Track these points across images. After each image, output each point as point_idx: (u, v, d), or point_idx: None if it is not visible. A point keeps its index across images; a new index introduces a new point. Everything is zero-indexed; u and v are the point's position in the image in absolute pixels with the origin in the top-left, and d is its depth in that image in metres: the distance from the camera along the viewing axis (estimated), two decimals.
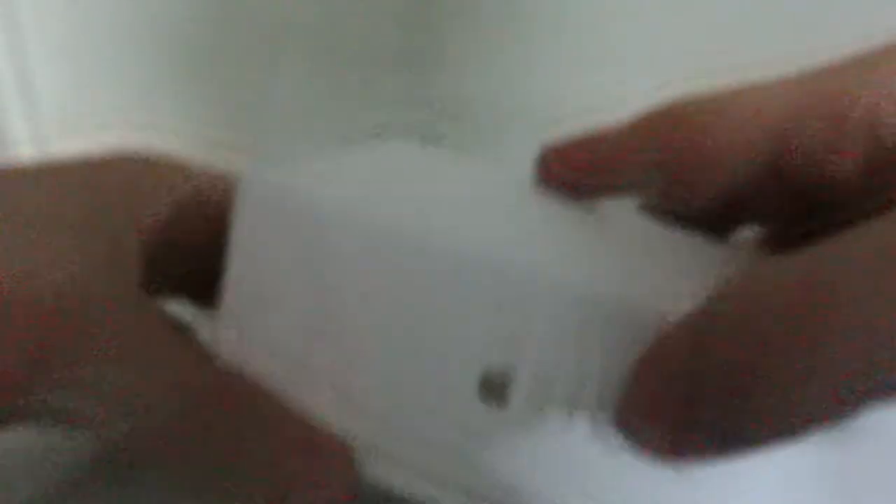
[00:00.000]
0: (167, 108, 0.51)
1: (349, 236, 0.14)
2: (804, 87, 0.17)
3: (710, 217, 0.21)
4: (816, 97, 0.17)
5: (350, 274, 0.14)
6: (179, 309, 0.22)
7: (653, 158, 0.19)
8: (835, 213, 0.18)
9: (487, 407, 0.14)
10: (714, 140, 0.17)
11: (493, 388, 0.14)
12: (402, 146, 0.21)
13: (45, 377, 0.15)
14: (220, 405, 0.16)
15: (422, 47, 0.43)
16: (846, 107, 0.16)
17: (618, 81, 0.39)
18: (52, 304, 0.15)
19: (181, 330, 0.19)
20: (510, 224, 0.16)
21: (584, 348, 0.13)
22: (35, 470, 0.19)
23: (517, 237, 0.15)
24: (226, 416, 0.16)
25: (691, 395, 0.11)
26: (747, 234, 0.21)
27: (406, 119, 0.44)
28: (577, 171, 0.20)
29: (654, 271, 0.16)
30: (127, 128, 0.54)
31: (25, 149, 0.58)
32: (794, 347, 0.10)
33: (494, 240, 0.15)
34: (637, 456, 0.12)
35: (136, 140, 0.54)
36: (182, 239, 0.21)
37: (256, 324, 0.16)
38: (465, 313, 0.14)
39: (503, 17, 0.40)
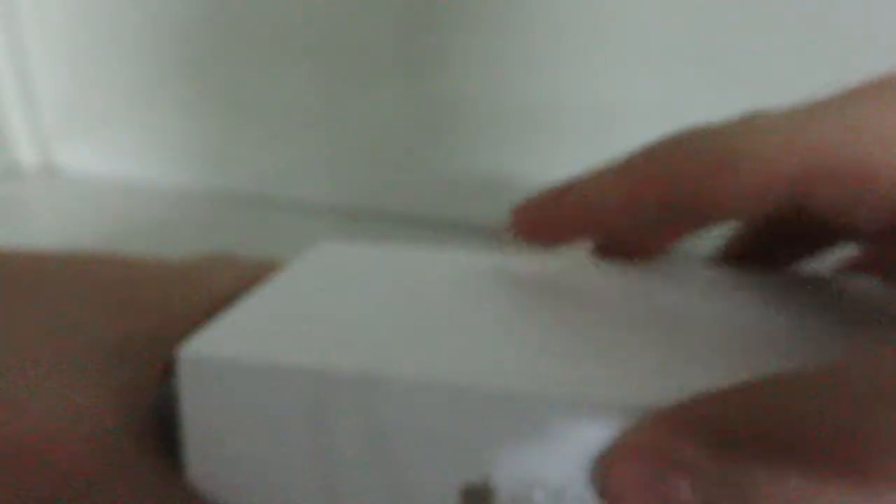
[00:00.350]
0: (167, 108, 0.51)
1: (293, 391, 0.15)
2: (830, 125, 0.16)
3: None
4: (843, 143, 0.16)
5: (302, 426, 0.15)
6: None
7: (664, 195, 0.18)
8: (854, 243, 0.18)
9: None
10: (735, 176, 0.16)
11: (476, 500, 0.14)
12: (334, 263, 0.21)
13: None
14: None
15: (422, 47, 0.43)
16: (878, 160, 0.15)
17: (618, 81, 0.39)
18: (65, 460, 0.16)
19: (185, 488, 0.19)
20: (459, 336, 0.16)
21: (555, 451, 0.13)
22: None
23: (471, 349, 0.15)
24: None
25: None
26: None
27: (405, 119, 0.44)
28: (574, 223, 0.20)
29: (617, 364, 0.15)
30: (127, 128, 0.55)
31: (25, 149, 0.58)
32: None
33: (444, 360, 0.15)
34: None
35: (136, 140, 0.54)
36: None
37: (225, 492, 0.16)
38: (433, 438, 0.14)
39: (503, 18, 0.40)
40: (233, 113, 0.49)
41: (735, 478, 0.12)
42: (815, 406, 0.12)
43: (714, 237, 0.21)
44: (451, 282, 0.19)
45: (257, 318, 0.17)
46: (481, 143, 0.43)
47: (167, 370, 0.18)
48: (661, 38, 0.37)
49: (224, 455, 0.16)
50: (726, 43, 0.36)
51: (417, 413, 0.14)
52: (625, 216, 0.18)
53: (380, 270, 0.20)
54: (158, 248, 0.43)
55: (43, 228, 0.46)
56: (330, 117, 0.46)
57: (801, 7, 0.34)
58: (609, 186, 0.18)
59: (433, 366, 0.14)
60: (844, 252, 0.20)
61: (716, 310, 0.17)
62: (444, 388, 0.14)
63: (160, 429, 0.19)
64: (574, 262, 0.21)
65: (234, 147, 0.50)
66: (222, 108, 0.49)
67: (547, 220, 0.19)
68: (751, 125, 0.17)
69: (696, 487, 0.13)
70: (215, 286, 0.21)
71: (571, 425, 0.13)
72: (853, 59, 0.33)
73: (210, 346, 0.16)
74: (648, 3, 0.37)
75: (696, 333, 0.16)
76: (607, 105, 0.39)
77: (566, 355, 0.15)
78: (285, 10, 0.45)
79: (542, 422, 0.13)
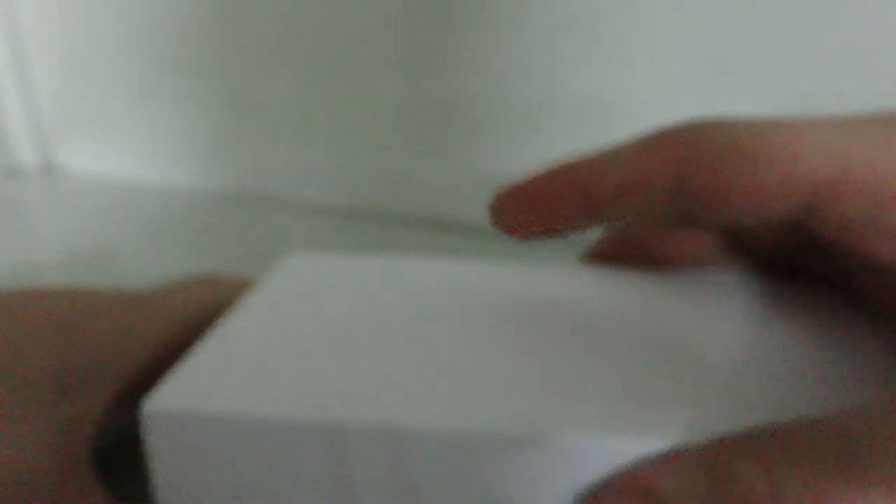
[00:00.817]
0: (167, 107, 0.51)
1: (259, 443, 0.14)
2: (866, 139, 0.15)
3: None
4: (875, 158, 0.15)
5: (272, 477, 0.14)
6: None
7: (671, 180, 0.16)
8: (856, 274, 0.17)
9: None
10: (755, 169, 0.15)
11: None
12: (307, 284, 0.19)
13: None
14: None
15: (422, 47, 0.43)
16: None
17: (618, 82, 0.39)
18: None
19: None
20: (445, 374, 0.15)
21: (567, 488, 0.13)
22: None
23: (464, 390, 0.14)
24: None
25: None
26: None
27: (406, 119, 0.44)
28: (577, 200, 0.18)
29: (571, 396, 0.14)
30: (127, 127, 0.55)
31: (25, 149, 0.58)
32: None
33: (445, 406, 0.14)
34: None
35: (136, 140, 0.54)
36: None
37: None
38: (452, 486, 0.13)
39: (503, 17, 0.40)
40: (233, 113, 0.49)
41: None
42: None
43: None
44: (433, 305, 0.18)
45: (226, 359, 0.15)
46: (481, 143, 0.43)
47: (116, 402, 0.18)
48: (663, 39, 0.37)
49: None
50: (727, 42, 0.36)
51: (430, 462, 0.13)
52: (630, 200, 0.16)
53: (356, 293, 0.19)
54: (158, 248, 0.43)
55: (43, 228, 0.46)
56: (330, 117, 0.46)
57: (801, 3, 0.34)
58: (616, 165, 0.16)
59: (438, 412, 0.14)
60: None
61: (710, 329, 0.17)
62: (456, 436, 0.13)
63: (108, 460, 0.18)
64: (564, 272, 0.19)
65: (235, 147, 0.50)
66: (222, 108, 0.49)
67: (539, 203, 0.17)
68: (777, 123, 0.16)
69: None
70: (176, 311, 0.20)
71: (581, 462, 0.13)
72: (854, 60, 0.33)
73: (182, 397, 0.14)
74: (648, 2, 0.37)
75: (693, 358, 0.15)
76: (608, 105, 0.39)
77: (569, 390, 0.14)
78: (286, 11, 0.45)
79: (556, 460, 0.13)
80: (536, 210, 0.17)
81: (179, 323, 0.20)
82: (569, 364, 0.15)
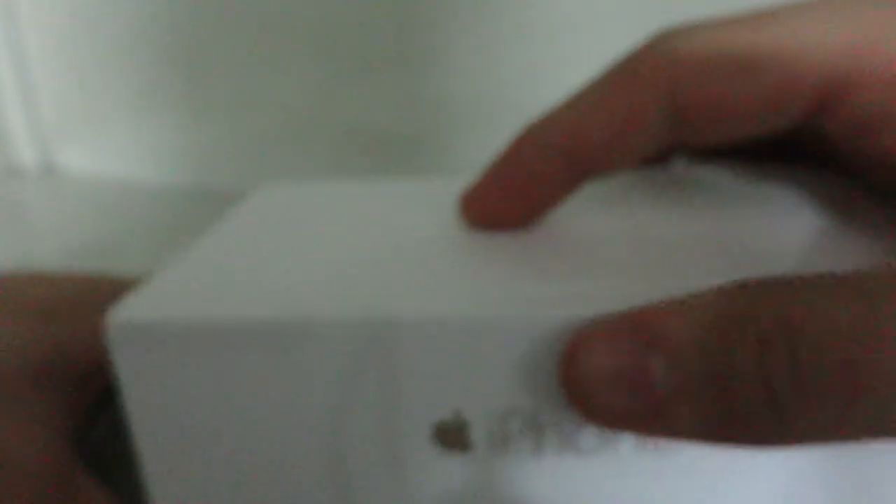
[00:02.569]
0: (167, 108, 0.51)
1: (262, 345, 0.13)
2: (860, 31, 0.13)
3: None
4: (879, 50, 0.13)
5: (270, 380, 0.13)
6: None
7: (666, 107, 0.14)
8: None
9: (451, 455, 0.13)
10: (756, 77, 0.13)
11: (451, 436, 0.13)
12: (281, 205, 0.19)
13: None
14: None
15: (421, 47, 0.43)
16: None
17: None
18: None
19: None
20: (415, 269, 0.14)
21: (523, 374, 0.12)
22: None
23: (429, 280, 0.14)
24: None
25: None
26: None
27: (404, 119, 0.44)
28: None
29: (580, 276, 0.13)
30: (127, 128, 0.55)
31: (25, 149, 0.58)
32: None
33: (400, 294, 0.13)
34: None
35: (136, 140, 0.54)
36: None
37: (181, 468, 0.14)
38: (394, 375, 0.13)
39: (503, 17, 0.40)
40: (233, 113, 0.49)
41: (721, 361, 0.11)
42: (840, 310, 0.10)
43: None
44: (404, 215, 0.17)
45: (191, 274, 0.15)
46: (481, 143, 0.43)
47: (98, 395, 0.17)
48: None
49: (185, 441, 0.14)
50: None
51: (393, 348, 0.13)
52: (622, 144, 0.14)
53: (327, 211, 0.18)
54: (158, 248, 0.43)
55: (43, 228, 0.46)
56: (330, 118, 0.46)
57: None
58: (596, 109, 0.14)
59: (397, 301, 0.13)
60: None
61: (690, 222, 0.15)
62: (400, 321, 0.12)
63: (97, 453, 0.18)
64: None
65: (235, 147, 0.50)
66: (222, 109, 0.49)
67: (516, 179, 0.15)
68: (768, 18, 0.13)
69: (672, 365, 0.11)
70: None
71: (536, 344, 0.12)
72: None
73: (149, 307, 0.13)
74: (647, 3, 0.37)
75: (666, 247, 0.14)
76: None
77: (525, 276, 0.14)
78: (285, 11, 0.45)
79: (503, 344, 0.12)
80: (514, 188, 0.15)
81: None
82: (534, 256, 0.15)
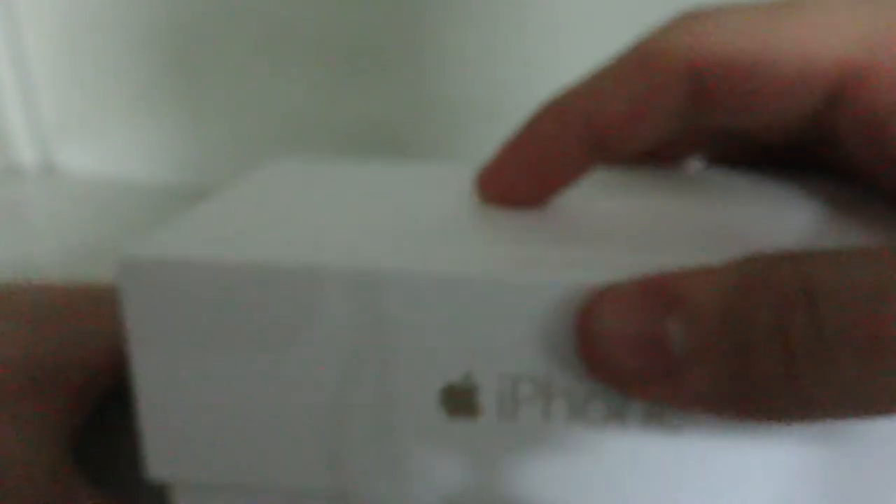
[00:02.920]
0: (167, 108, 0.51)
1: (270, 290, 0.13)
2: (879, 24, 0.13)
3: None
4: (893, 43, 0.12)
5: (266, 322, 0.13)
6: None
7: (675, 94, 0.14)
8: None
9: (458, 420, 0.13)
10: (765, 67, 0.13)
11: (460, 400, 0.13)
12: (294, 172, 0.19)
13: None
14: None
15: (421, 47, 0.43)
16: None
17: None
18: None
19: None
20: (427, 230, 0.14)
21: (534, 338, 0.12)
22: None
23: (443, 242, 0.14)
24: None
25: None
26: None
27: (404, 120, 0.44)
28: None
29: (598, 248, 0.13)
30: (127, 128, 0.55)
31: (25, 149, 0.58)
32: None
33: (414, 252, 0.13)
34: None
35: (136, 140, 0.54)
36: None
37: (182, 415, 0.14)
38: (404, 334, 0.13)
39: (503, 17, 0.40)
40: (233, 113, 0.49)
41: (741, 323, 0.11)
42: (862, 280, 0.10)
43: None
44: (417, 184, 0.17)
45: (213, 220, 0.15)
46: (481, 143, 0.43)
47: (87, 399, 0.17)
48: None
49: (184, 386, 0.14)
50: None
51: (405, 304, 0.13)
52: (643, 122, 0.14)
53: (336, 180, 0.18)
54: None
55: (43, 228, 0.46)
56: (330, 118, 0.46)
57: None
58: (619, 85, 0.14)
59: (410, 258, 0.13)
60: None
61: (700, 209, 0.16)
62: (413, 274, 0.12)
63: (86, 456, 0.18)
64: None
65: (235, 147, 0.50)
66: (222, 109, 0.49)
67: (534, 153, 0.15)
68: (790, 4, 0.13)
69: (690, 327, 0.11)
70: None
71: (552, 308, 0.12)
72: None
73: (159, 247, 0.13)
74: (647, 3, 0.37)
75: (679, 227, 0.14)
76: None
77: (541, 242, 0.13)
78: (285, 12, 0.45)
79: (520, 306, 0.12)
80: (531, 164, 0.15)
81: None
82: (550, 223, 0.15)
